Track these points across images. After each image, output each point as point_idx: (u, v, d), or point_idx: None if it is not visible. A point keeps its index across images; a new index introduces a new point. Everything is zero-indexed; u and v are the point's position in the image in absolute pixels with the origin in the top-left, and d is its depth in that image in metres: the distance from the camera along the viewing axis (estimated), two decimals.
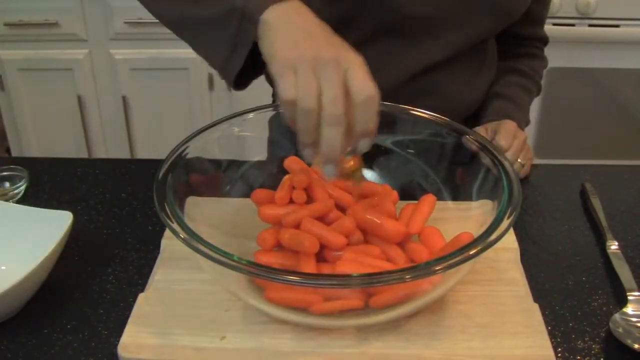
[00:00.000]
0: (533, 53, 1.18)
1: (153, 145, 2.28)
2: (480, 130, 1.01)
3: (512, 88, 1.12)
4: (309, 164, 0.73)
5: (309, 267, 0.68)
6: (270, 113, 0.85)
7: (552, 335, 0.70)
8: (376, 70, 1.00)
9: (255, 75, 0.81)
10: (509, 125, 1.00)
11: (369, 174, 0.87)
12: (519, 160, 0.98)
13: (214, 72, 2.13)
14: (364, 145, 0.64)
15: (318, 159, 0.64)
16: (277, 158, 0.85)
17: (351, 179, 0.73)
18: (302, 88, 0.61)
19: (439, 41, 1.00)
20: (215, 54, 0.78)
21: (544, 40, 1.19)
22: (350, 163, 0.71)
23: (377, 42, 0.99)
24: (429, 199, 0.77)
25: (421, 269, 0.58)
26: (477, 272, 0.75)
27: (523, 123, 1.08)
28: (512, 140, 0.97)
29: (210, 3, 0.76)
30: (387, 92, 1.00)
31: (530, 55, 1.17)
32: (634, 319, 0.71)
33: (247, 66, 0.75)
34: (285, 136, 0.99)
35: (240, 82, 0.79)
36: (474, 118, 1.11)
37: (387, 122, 0.85)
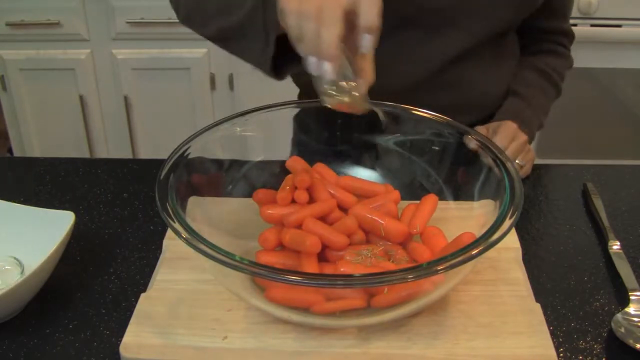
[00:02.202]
0: (557, 51, 1.14)
1: (155, 145, 2.28)
2: (481, 129, 1.01)
3: (528, 88, 1.09)
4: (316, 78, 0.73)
5: (311, 267, 0.68)
6: (275, 112, 0.85)
7: (554, 335, 0.70)
8: (396, 64, 1.01)
9: (293, 65, 0.83)
10: (508, 126, 0.99)
11: (370, 174, 0.87)
12: (517, 161, 0.97)
13: (216, 72, 2.14)
14: (367, 43, 0.68)
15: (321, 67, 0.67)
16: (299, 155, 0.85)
17: (352, 101, 0.72)
18: (304, 1, 0.67)
19: (459, 32, 0.99)
20: (253, 51, 0.84)
21: (569, 35, 1.15)
22: (353, 84, 0.71)
23: (397, 35, 0.98)
24: (430, 198, 0.77)
25: (423, 269, 0.58)
26: (479, 272, 0.75)
27: (535, 125, 1.06)
28: (510, 142, 0.97)
29: (238, 8, 0.82)
30: (408, 87, 1.00)
31: (553, 53, 1.14)
32: (635, 319, 0.71)
33: (283, 54, 0.80)
34: (307, 134, 0.99)
35: (280, 72, 0.84)
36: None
37: (389, 122, 0.85)
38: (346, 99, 0.71)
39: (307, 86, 1.16)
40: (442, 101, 0.83)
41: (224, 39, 0.90)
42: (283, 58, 0.81)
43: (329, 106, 0.72)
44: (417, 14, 0.97)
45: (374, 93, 0.85)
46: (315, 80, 0.70)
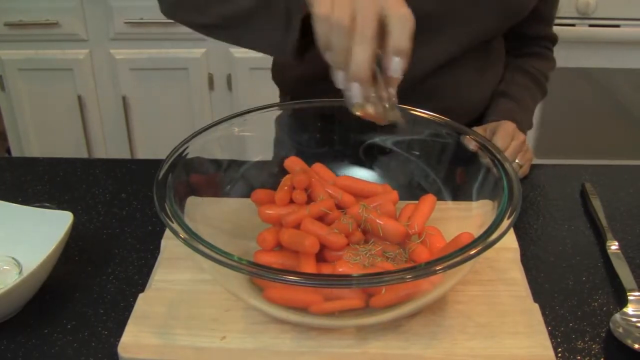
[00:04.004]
0: (542, 53, 1.17)
1: (153, 145, 2.28)
2: (479, 130, 1.01)
3: (518, 90, 1.11)
4: (341, 90, 0.68)
5: (309, 267, 0.68)
6: (274, 113, 0.85)
7: (552, 335, 0.70)
8: None
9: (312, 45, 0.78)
10: (507, 126, 1.00)
11: (368, 174, 0.87)
12: (516, 161, 0.97)
13: (214, 72, 2.14)
14: (397, 66, 0.64)
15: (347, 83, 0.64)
16: (278, 158, 0.85)
17: (382, 115, 0.68)
18: (337, 7, 0.62)
19: (445, 39, 0.99)
20: (268, 36, 0.80)
21: (553, 40, 1.18)
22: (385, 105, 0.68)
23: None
24: (429, 199, 0.77)
25: (421, 269, 0.58)
26: (477, 272, 0.75)
27: (525, 126, 1.08)
28: (510, 141, 0.97)
29: None
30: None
31: (539, 56, 1.16)
32: (634, 319, 0.71)
33: (304, 36, 0.77)
34: (289, 136, 0.99)
35: (300, 53, 0.80)
36: (480, 122, 1.10)
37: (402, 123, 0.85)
38: (371, 111, 0.67)
39: (285, 85, 1.16)
40: (426, 107, 0.83)
41: (226, 27, 0.85)
42: (304, 39, 0.77)
43: (357, 114, 0.68)
44: None
45: None
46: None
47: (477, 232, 0.64)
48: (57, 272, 0.76)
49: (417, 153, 0.85)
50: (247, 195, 0.79)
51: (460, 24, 0.98)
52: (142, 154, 2.30)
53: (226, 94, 2.19)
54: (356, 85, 0.63)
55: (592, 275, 0.80)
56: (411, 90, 1.01)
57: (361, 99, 0.64)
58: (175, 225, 0.63)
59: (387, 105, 0.67)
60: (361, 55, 0.61)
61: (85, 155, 2.27)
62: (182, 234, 0.62)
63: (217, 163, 0.82)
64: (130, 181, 0.99)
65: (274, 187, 0.78)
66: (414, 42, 0.98)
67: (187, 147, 0.76)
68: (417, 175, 0.85)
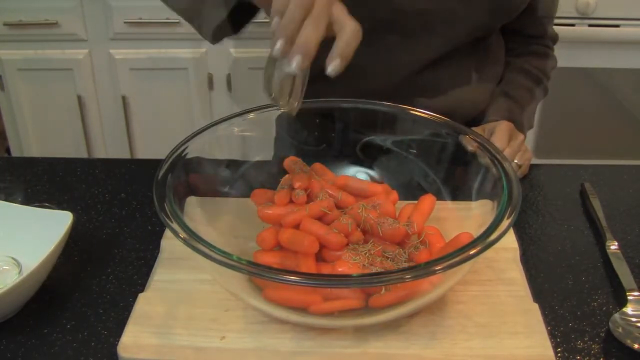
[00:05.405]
0: (543, 52, 1.17)
1: (153, 145, 2.28)
2: (478, 130, 1.01)
3: (519, 89, 1.11)
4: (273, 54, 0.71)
5: (309, 267, 0.68)
6: (274, 112, 0.85)
7: (551, 335, 0.70)
8: (373, 67, 1.01)
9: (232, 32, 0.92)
10: (505, 126, 1.00)
11: (368, 174, 0.87)
12: (515, 161, 0.97)
13: (214, 72, 2.14)
14: (335, 65, 0.66)
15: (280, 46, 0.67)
16: (277, 157, 0.85)
17: (286, 107, 0.74)
18: None
19: (436, 37, 0.99)
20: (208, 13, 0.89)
21: (553, 38, 1.18)
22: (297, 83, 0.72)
23: (373, 38, 0.99)
24: (428, 198, 0.77)
25: (421, 269, 0.58)
26: (477, 272, 0.75)
27: (526, 126, 1.08)
28: (508, 141, 0.97)
29: None
30: (385, 90, 1.00)
31: (539, 55, 1.16)
32: (633, 319, 0.71)
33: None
34: (289, 135, 0.99)
35: (216, 36, 0.91)
36: (479, 122, 1.10)
37: (387, 122, 0.86)
38: (282, 102, 0.72)
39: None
40: (419, 106, 0.83)
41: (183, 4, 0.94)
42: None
43: (266, 93, 0.73)
44: (394, 18, 0.97)
45: (351, 94, 0.85)
46: (270, 63, 0.70)
47: (476, 232, 0.64)
48: (57, 272, 0.76)
49: (417, 153, 0.85)
50: (247, 195, 0.79)
51: (450, 22, 0.98)
52: (141, 153, 2.30)
53: (226, 93, 2.19)
54: (298, 57, 0.65)
55: (592, 275, 0.80)
56: (402, 87, 1.02)
57: (298, 70, 0.66)
58: (174, 225, 0.63)
59: (294, 104, 0.73)
60: (314, 31, 0.65)
61: (85, 155, 2.27)
62: (182, 234, 0.62)
63: (216, 163, 0.82)
64: (129, 181, 0.99)
65: (274, 187, 0.78)
66: (405, 40, 0.99)
67: (186, 147, 0.76)
68: (417, 175, 0.85)
